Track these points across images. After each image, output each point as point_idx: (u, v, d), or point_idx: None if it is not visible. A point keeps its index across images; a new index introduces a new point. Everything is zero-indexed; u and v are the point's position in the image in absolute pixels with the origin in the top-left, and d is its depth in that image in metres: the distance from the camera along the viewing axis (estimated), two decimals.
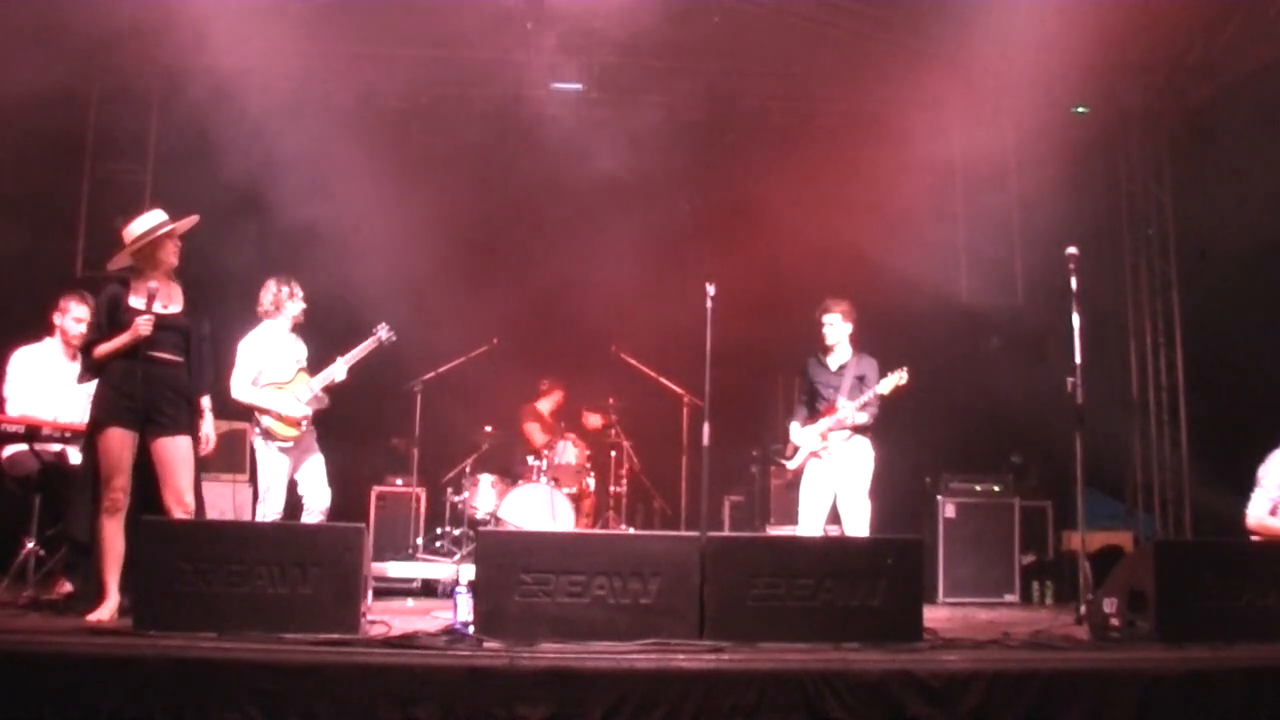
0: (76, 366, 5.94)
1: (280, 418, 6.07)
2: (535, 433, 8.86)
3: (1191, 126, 8.62)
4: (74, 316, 6.01)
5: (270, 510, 6.06)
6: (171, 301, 5.03)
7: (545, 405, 9.09)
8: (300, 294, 6.26)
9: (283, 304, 6.22)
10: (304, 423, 6.13)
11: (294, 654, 3.89)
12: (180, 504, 4.92)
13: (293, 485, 6.18)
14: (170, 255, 5.06)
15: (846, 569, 4.52)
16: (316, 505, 6.15)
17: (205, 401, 5.22)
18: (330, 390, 6.27)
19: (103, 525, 4.79)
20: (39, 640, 4.01)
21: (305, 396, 6.16)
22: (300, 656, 3.87)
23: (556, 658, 3.95)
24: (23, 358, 6.10)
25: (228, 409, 6.74)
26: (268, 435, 6.07)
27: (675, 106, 8.72)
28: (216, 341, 5.33)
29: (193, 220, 5.18)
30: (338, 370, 6.27)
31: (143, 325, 4.82)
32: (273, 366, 6.19)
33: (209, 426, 5.22)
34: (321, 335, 6.52)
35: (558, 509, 7.91)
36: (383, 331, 6.49)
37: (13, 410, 5.92)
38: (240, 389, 6.09)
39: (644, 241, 8.54)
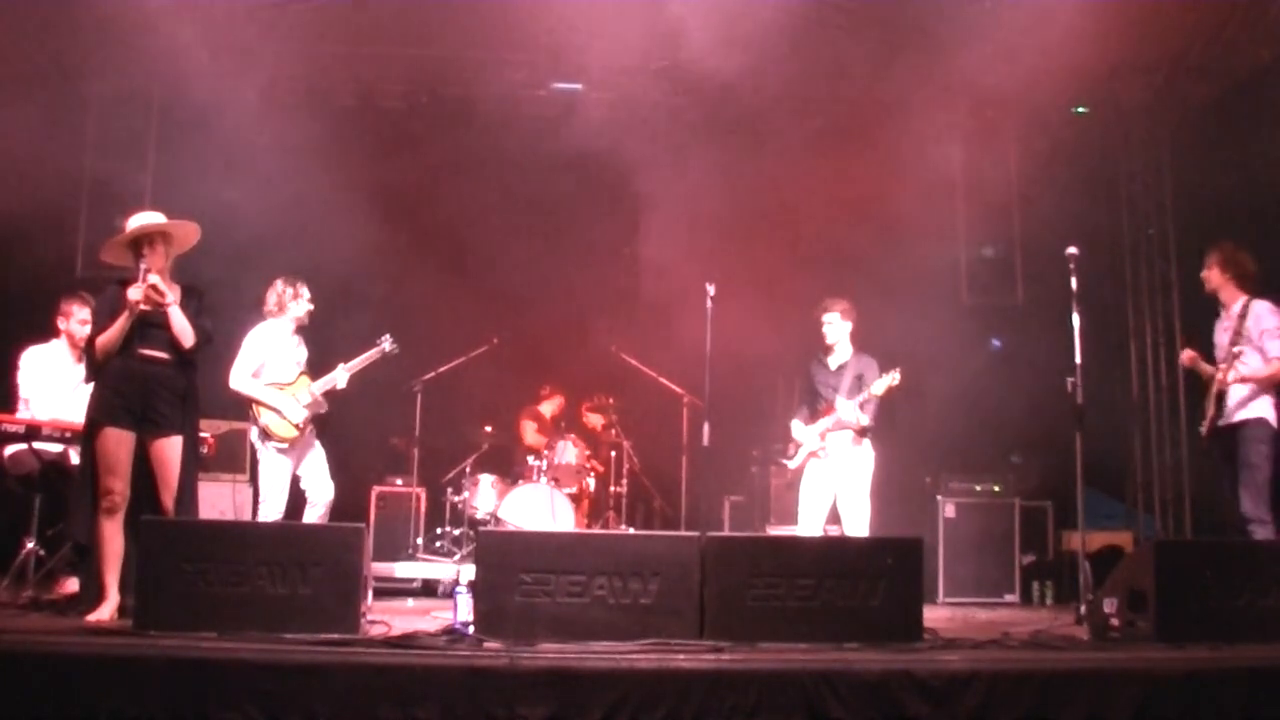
0: (83, 368, 5.95)
1: (280, 415, 6.05)
2: (529, 431, 8.88)
3: (1191, 126, 8.62)
4: (79, 319, 6.02)
5: (271, 511, 6.04)
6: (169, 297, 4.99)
7: (547, 409, 9.10)
8: (306, 295, 6.25)
9: (285, 304, 6.20)
10: (302, 424, 6.12)
11: (294, 654, 3.88)
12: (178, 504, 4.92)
13: (294, 481, 6.17)
14: (156, 257, 4.98)
15: (846, 569, 4.52)
16: (320, 499, 6.14)
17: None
18: (330, 396, 6.28)
19: (101, 525, 4.79)
20: (39, 640, 4.00)
21: (305, 400, 6.15)
22: (300, 656, 3.86)
23: (556, 658, 3.94)
24: (33, 357, 6.13)
25: (226, 407, 6.76)
26: (265, 435, 6.05)
27: (675, 107, 8.72)
28: (216, 342, 5.31)
29: (175, 224, 5.10)
30: (339, 377, 6.29)
31: (132, 291, 4.79)
32: (275, 365, 6.18)
33: None
34: (320, 337, 6.52)
35: (558, 509, 7.90)
36: (386, 343, 6.51)
37: (36, 408, 5.94)
38: (240, 380, 6.06)
39: (644, 241, 8.55)
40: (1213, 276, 5.99)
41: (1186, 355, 6.13)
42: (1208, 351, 6.01)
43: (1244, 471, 5.61)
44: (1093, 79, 8.41)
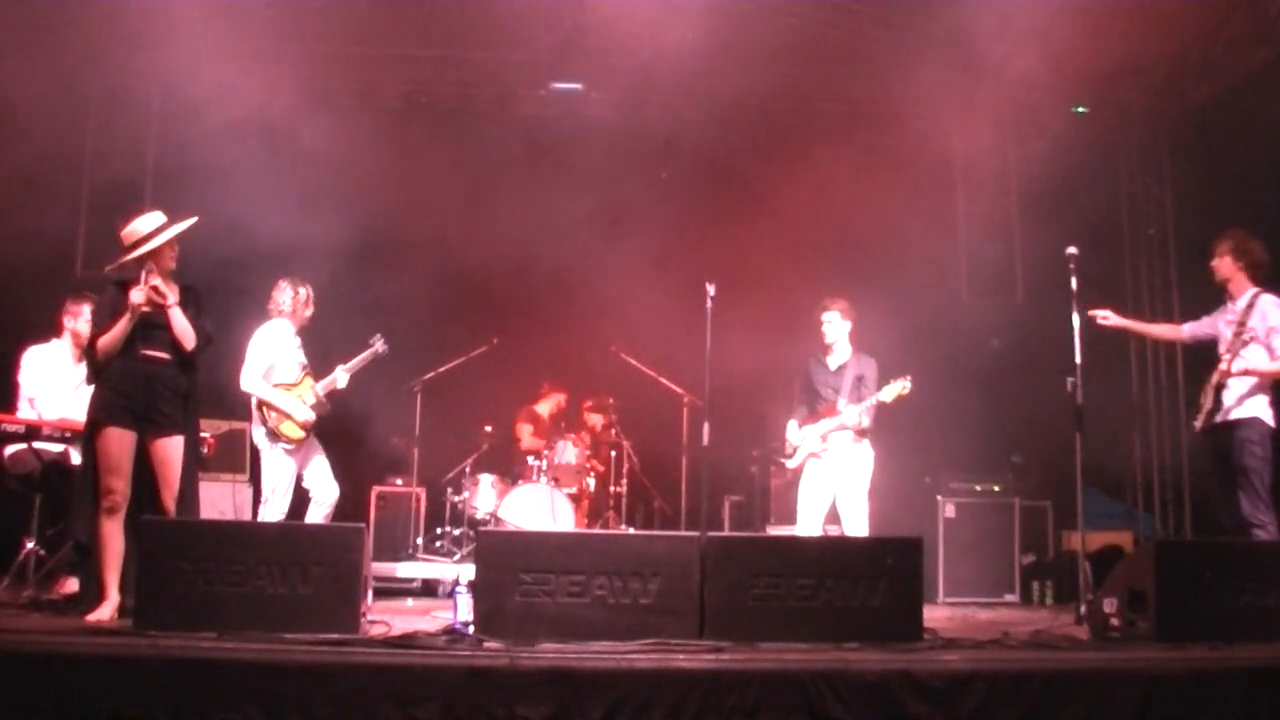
0: (83, 368, 5.95)
1: (289, 418, 6.07)
2: (526, 434, 8.88)
3: (1191, 126, 8.61)
4: (86, 319, 6.01)
5: (275, 512, 6.05)
6: (170, 298, 5.00)
7: (544, 408, 9.09)
8: (311, 296, 6.29)
9: (296, 306, 6.24)
10: (309, 425, 6.13)
11: (294, 654, 3.88)
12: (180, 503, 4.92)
13: (298, 482, 6.19)
14: (167, 259, 5.02)
15: (846, 569, 4.51)
16: (328, 498, 6.17)
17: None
18: (331, 396, 6.30)
19: (102, 525, 4.79)
20: (39, 640, 4.01)
21: (310, 400, 6.18)
22: (300, 656, 3.86)
23: (556, 658, 3.94)
24: (34, 356, 6.13)
25: (226, 407, 6.76)
26: (274, 436, 6.06)
27: (675, 106, 8.72)
28: (215, 343, 5.31)
29: (190, 223, 5.13)
30: (339, 378, 6.33)
31: (135, 294, 4.80)
32: (281, 366, 6.20)
33: None
34: (320, 337, 6.52)
35: (558, 509, 7.90)
36: (379, 344, 6.52)
37: (41, 407, 5.94)
38: (252, 381, 6.08)
39: (644, 241, 8.53)
40: (1223, 266, 5.85)
41: (1109, 318, 6.03)
42: (1212, 350, 5.95)
43: (1241, 475, 5.54)
44: (1093, 79, 8.42)
